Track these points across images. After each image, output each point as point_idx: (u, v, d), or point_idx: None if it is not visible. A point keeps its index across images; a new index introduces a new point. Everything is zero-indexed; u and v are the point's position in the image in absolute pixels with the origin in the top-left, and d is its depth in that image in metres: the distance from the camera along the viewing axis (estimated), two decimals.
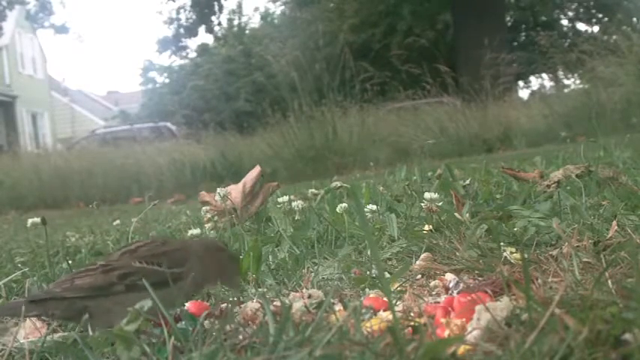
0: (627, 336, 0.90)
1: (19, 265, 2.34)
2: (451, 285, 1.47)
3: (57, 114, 36.28)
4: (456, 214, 2.11)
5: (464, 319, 1.12)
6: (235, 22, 32.90)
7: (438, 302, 1.36)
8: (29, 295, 1.39)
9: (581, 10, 28.69)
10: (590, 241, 1.56)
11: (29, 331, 1.43)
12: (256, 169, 2.90)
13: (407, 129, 11.33)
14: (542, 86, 21.50)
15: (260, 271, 1.80)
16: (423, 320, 1.19)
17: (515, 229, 1.89)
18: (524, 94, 22.35)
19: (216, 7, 26.36)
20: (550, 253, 1.58)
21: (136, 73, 63.19)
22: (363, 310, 1.27)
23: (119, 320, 1.12)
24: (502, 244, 1.72)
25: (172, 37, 28.24)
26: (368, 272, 1.67)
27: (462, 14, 19.07)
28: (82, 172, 12.05)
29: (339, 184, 3.16)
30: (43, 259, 2.37)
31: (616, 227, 1.64)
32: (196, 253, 1.42)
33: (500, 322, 1.04)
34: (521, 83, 23.90)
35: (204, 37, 47.99)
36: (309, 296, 1.42)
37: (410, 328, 1.15)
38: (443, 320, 1.16)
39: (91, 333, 1.32)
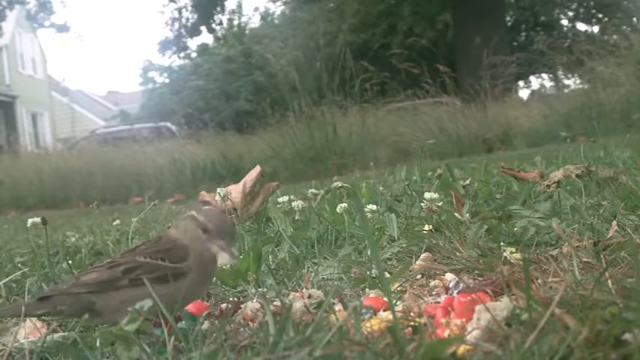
0: (627, 336, 0.90)
1: (19, 265, 2.34)
2: (451, 285, 1.47)
3: (57, 114, 36.28)
4: (456, 214, 2.11)
5: (464, 319, 1.12)
6: (235, 22, 32.89)
7: (438, 302, 1.36)
8: (36, 294, 1.40)
9: (581, 10, 28.68)
10: (590, 241, 1.56)
11: (29, 331, 1.43)
12: (256, 169, 2.90)
13: (407, 129, 11.33)
14: (542, 86, 21.52)
15: (260, 271, 1.80)
16: (423, 320, 1.19)
17: (515, 229, 1.89)
18: (524, 94, 22.35)
19: (218, 8, 26.40)
20: (550, 253, 1.57)
21: (136, 73, 63.24)
22: (363, 310, 1.27)
23: (125, 316, 1.14)
24: (502, 244, 1.72)
25: (173, 37, 28.27)
26: (368, 272, 1.67)
27: (462, 14, 19.06)
28: (82, 172, 12.05)
29: (339, 184, 3.16)
30: (43, 259, 2.37)
31: (616, 227, 1.64)
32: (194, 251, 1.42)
33: (500, 322, 1.04)
34: (521, 83, 23.90)
35: (204, 37, 47.96)
36: (309, 296, 1.42)
37: (410, 328, 1.15)
38: (443, 320, 1.15)
39: (97, 327, 1.33)
